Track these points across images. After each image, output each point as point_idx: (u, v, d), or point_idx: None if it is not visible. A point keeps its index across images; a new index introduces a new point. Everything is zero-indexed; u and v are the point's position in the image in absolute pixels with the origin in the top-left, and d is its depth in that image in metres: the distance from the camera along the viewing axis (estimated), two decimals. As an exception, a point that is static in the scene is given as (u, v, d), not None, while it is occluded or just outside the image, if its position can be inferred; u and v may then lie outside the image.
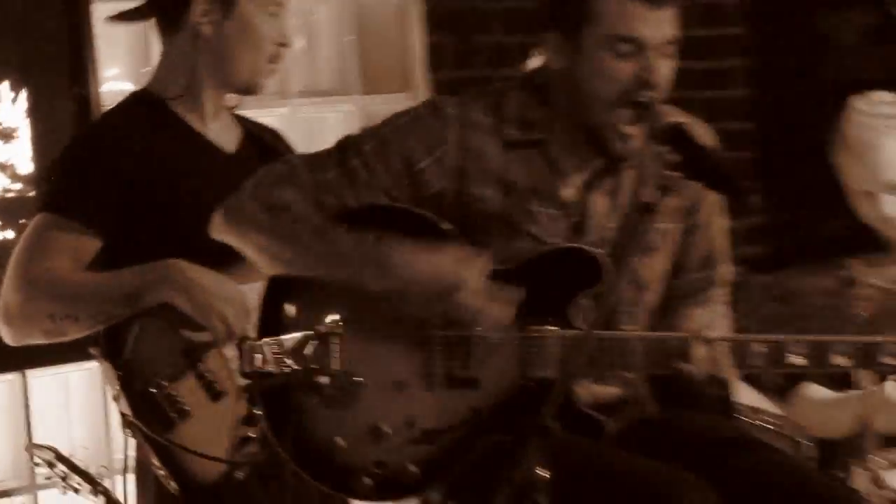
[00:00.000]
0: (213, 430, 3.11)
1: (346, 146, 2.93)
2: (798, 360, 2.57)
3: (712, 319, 2.91)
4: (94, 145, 3.34)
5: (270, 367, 2.76)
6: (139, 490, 3.29)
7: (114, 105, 3.53)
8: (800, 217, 4.85)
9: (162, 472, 3.08)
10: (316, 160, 2.94)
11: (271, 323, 2.84)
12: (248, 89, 3.30)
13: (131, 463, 3.22)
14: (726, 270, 3.00)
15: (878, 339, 2.57)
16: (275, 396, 2.81)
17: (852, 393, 3.50)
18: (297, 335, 2.71)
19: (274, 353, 2.76)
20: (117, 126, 3.34)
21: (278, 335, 2.76)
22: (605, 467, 2.69)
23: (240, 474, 3.10)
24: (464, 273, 2.71)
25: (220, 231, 2.87)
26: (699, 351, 2.65)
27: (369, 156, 2.88)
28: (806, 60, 5.07)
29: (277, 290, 2.88)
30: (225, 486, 3.10)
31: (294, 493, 3.02)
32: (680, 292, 2.98)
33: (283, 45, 3.27)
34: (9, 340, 3.17)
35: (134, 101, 3.35)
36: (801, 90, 5.06)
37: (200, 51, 3.27)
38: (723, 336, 2.65)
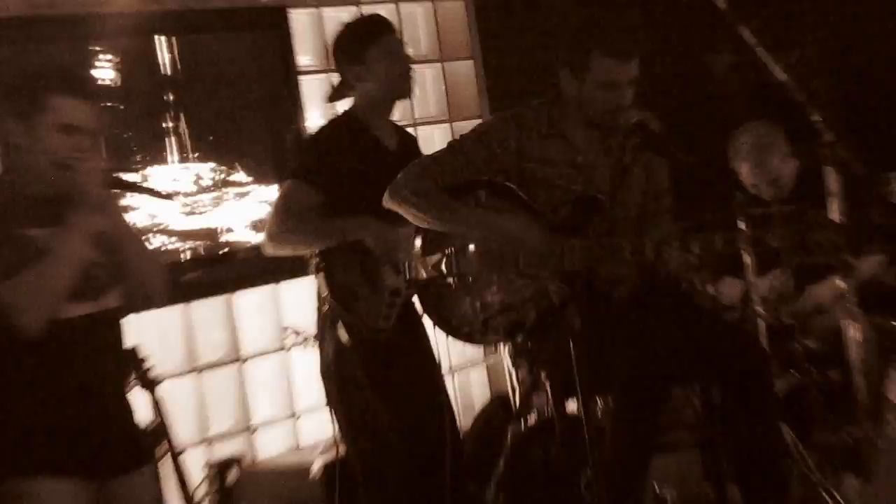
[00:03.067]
0: (373, 304, 4.16)
1: (452, 147, 4.00)
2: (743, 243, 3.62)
3: (666, 228, 3.93)
4: (318, 142, 4.41)
5: (425, 273, 3.96)
6: (326, 341, 4.40)
7: (331, 118, 4.57)
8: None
9: (343, 331, 4.24)
10: (436, 159, 3.97)
11: (425, 248, 3.93)
12: (404, 97, 4.40)
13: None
14: (669, 200, 4.06)
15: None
16: (425, 289, 3.98)
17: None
18: (438, 256, 3.91)
19: (425, 265, 3.94)
20: (332, 131, 4.39)
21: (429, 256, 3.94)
22: (611, 321, 3.84)
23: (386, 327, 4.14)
24: (531, 229, 3.77)
25: (387, 203, 3.93)
26: (669, 254, 3.63)
27: (467, 149, 3.93)
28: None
29: (425, 232, 3.93)
30: (376, 339, 4.19)
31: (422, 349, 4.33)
32: (649, 212, 3.99)
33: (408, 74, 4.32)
34: (268, 252, 4.26)
35: (342, 117, 4.43)
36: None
37: (365, 91, 4.30)
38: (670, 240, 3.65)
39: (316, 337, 4.61)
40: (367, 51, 4.35)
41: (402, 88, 4.39)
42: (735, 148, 5.10)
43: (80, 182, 3.44)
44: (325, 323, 4.39)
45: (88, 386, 3.48)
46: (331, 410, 4.52)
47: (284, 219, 4.25)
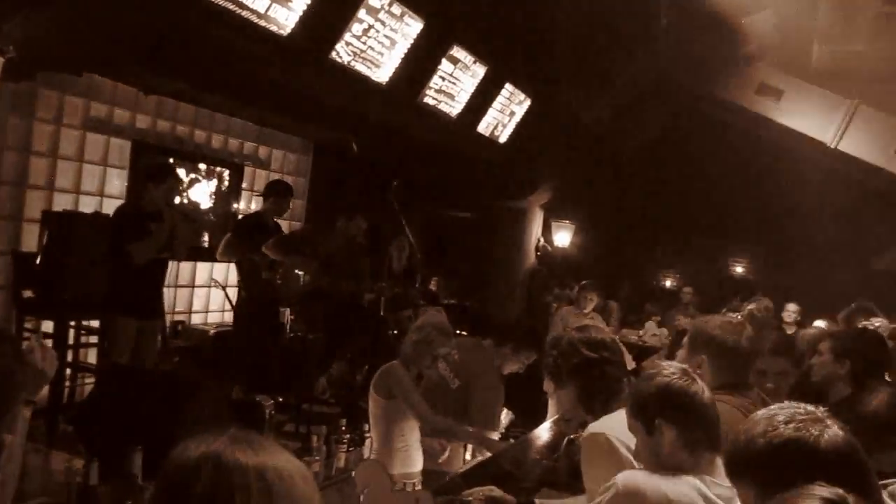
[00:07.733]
0: (260, 285, 8.66)
1: (291, 233, 9.58)
2: None
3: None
4: (243, 221, 9.36)
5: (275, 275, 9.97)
6: (239, 297, 9.03)
7: (250, 213, 9.89)
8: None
9: (244, 294, 8.81)
10: (284, 235, 8.79)
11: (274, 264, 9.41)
12: (282, 213, 9.04)
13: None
14: (367, 271, 10.24)
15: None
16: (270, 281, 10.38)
17: None
18: (276, 267, 9.19)
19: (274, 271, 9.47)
20: (249, 218, 9.25)
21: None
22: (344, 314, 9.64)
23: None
24: (312, 265, 8.70)
25: (264, 248, 8.32)
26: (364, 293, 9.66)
27: (298, 235, 9.34)
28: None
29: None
30: (260, 300, 8.78)
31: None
32: (360, 276, 9.92)
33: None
34: (218, 259, 9.15)
35: (256, 213, 9.17)
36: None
37: (267, 206, 9.18)
38: None
39: (222, 285, 9.88)
40: (271, 195, 8.82)
41: (281, 210, 8.92)
42: (391, 251, 10.01)
43: (171, 210, 7.28)
44: (239, 291, 8.88)
45: (155, 283, 7.50)
46: (234, 318, 9.17)
47: (226, 248, 8.58)
